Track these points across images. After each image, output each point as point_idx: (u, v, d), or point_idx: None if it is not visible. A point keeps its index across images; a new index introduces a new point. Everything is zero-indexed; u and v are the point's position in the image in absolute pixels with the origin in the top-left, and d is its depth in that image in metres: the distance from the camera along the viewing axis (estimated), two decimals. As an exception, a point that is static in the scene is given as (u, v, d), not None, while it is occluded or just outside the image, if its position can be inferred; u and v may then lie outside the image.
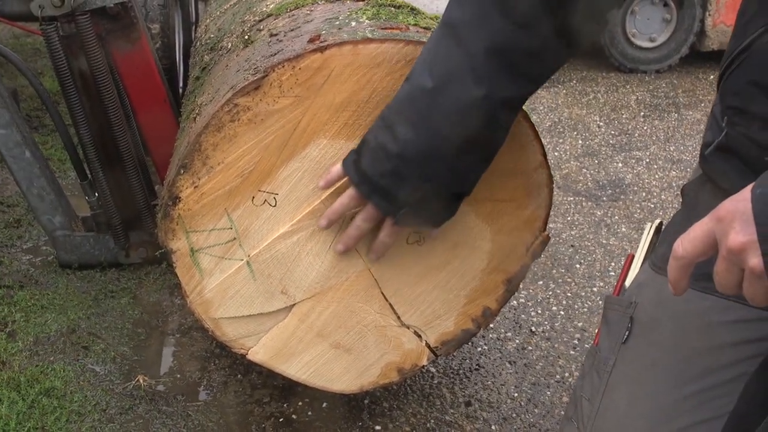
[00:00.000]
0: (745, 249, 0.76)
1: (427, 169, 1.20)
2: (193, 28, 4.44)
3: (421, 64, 1.21)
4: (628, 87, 5.30)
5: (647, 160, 3.97)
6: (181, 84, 3.76)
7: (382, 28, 1.45)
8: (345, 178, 1.34)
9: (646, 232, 1.26)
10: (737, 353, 1.00)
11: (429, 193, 1.24)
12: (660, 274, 1.11)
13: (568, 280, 2.77)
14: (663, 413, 1.05)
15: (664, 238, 1.18)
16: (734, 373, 1.00)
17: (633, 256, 1.24)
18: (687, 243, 0.82)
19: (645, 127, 4.47)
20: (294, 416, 2.02)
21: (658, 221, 1.28)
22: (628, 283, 1.20)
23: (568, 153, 4.07)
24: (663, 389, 1.06)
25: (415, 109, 1.19)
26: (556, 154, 4.05)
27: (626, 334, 1.12)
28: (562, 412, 2.03)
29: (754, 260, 0.75)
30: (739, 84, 0.90)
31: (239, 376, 2.19)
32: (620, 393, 1.11)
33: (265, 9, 1.98)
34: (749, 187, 0.78)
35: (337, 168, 1.36)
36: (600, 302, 2.61)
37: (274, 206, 1.47)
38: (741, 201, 0.77)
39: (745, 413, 0.98)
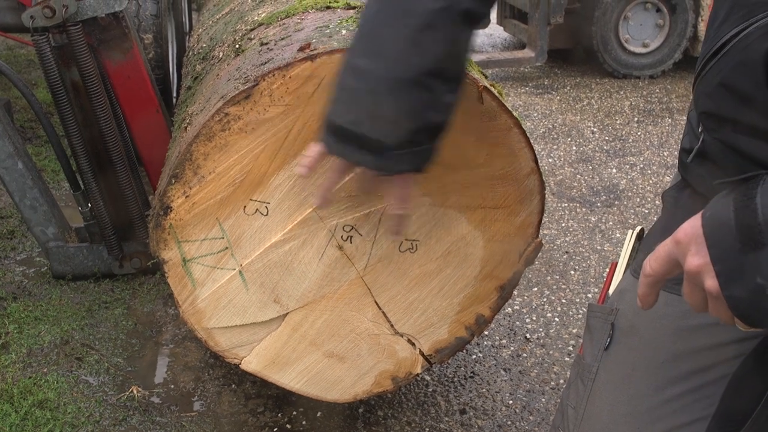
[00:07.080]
0: (701, 271, 0.79)
1: (394, 102, 1.04)
2: (187, 38, 4.45)
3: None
4: (621, 93, 5.31)
5: (641, 165, 3.97)
6: (174, 94, 3.77)
7: (373, 37, 1.44)
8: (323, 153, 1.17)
9: (627, 239, 1.27)
10: (718, 355, 1.01)
11: (404, 126, 1.06)
12: None
13: (563, 286, 2.77)
14: (645, 417, 1.06)
15: (645, 245, 1.19)
16: (716, 375, 1.01)
17: (616, 265, 1.25)
18: (653, 262, 0.86)
19: (639, 133, 4.47)
20: (288, 426, 2.02)
21: (639, 228, 1.29)
22: (612, 291, 1.21)
23: (562, 159, 4.07)
24: (644, 393, 1.06)
25: (371, 36, 1.06)
26: (550, 160, 4.06)
27: (608, 340, 1.13)
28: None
29: (710, 281, 0.78)
30: (710, 87, 0.91)
31: (233, 386, 2.18)
32: (603, 399, 1.12)
33: (256, 18, 1.98)
34: (703, 211, 0.81)
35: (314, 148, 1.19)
36: (595, 308, 2.60)
37: (266, 215, 1.47)
38: (695, 224, 0.80)
39: (729, 413, 0.98)
